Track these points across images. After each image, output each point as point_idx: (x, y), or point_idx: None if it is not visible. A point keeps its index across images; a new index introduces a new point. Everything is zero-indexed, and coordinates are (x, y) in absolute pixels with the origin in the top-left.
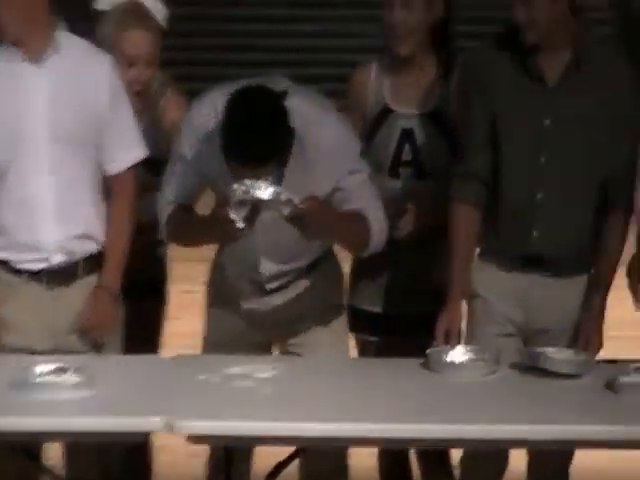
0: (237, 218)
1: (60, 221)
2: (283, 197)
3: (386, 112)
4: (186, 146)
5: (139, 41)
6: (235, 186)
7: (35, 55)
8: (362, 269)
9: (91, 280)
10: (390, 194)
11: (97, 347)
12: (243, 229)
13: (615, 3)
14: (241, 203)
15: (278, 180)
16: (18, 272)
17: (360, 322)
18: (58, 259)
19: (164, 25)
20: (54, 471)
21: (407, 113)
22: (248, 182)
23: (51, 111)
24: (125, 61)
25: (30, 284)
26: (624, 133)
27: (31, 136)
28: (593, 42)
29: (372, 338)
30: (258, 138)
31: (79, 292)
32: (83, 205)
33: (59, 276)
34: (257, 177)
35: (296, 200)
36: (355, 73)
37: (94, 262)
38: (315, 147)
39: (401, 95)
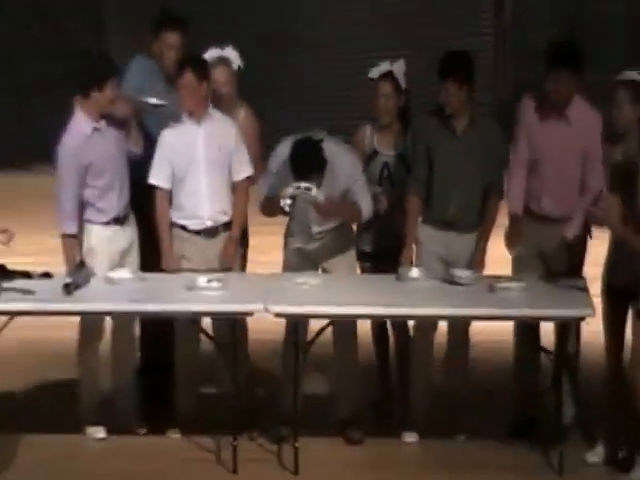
0: (285, 206)
1: (211, 204)
2: (314, 193)
3: (375, 153)
4: (274, 166)
5: (224, 72)
6: (289, 188)
7: (197, 119)
8: (361, 228)
9: (226, 235)
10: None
11: (229, 269)
12: (287, 212)
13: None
14: (290, 197)
15: (318, 185)
16: (189, 231)
17: (361, 255)
18: (209, 224)
19: (238, 67)
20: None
21: (386, 153)
22: (295, 184)
23: (205, 149)
24: (217, 83)
25: (195, 237)
26: (495, 155)
27: (196, 161)
28: (479, 113)
29: (367, 264)
30: (308, 164)
31: (220, 241)
32: (222, 195)
33: (210, 232)
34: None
35: (321, 198)
36: (357, 130)
37: (227, 225)
38: (337, 169)
39: (383, 143)
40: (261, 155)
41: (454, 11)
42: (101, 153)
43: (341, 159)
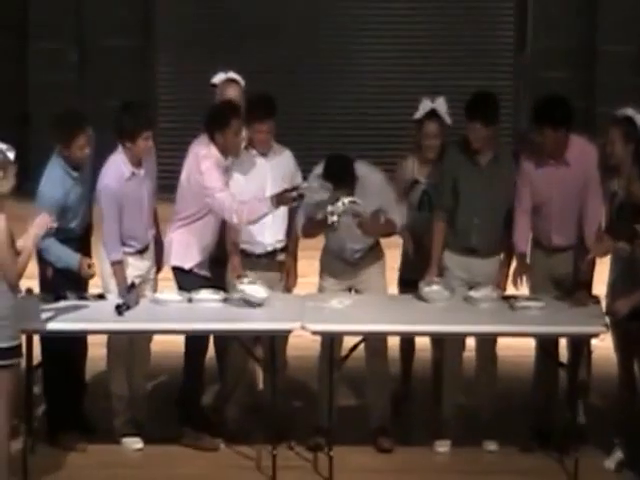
0: (334, 223)
1: (273, 231)
2: (361, 205)
3: (415, 182)
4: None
5: (233, 90)
6: (338, 204)
7: (264, 153)
8: (405, 258)
9: (282, 256)
10: (416, 218)
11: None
12: (335, 228)
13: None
14: (337, 214)
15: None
16: (250, 255)
17: (404, 283)
18: (269, 249)
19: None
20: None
21: (425, 182)
22: (342, 200)
23: (273, 180)
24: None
25: (256, 259)
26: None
27: (263, 191)
28: (502, 149)
29: (409, 290)
30: (340, 175)
31: (278, 263)
32: (281, 223)
33: (269, 256)
34: (338, 195)
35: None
36: (403, 162)
37: (284, 248)
38: (368, 186)
39: (422, 173)
40: None
41: (476, 47)
42: (135, 197)
43: (371, 177)
